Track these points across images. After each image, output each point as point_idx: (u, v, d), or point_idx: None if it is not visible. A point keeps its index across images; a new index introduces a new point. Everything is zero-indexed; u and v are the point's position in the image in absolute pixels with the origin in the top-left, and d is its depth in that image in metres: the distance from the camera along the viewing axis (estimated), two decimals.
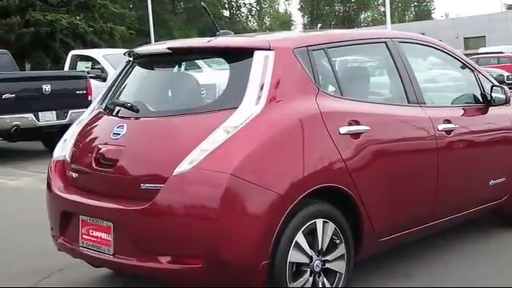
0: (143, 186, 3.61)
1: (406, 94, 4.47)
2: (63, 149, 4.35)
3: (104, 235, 3.76)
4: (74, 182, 4.13)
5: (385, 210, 4.11)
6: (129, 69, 4.47)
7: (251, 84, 3.66)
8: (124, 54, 4.55)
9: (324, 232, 3.75)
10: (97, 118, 4.32)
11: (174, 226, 3.45)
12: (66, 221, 4.06)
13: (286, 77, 3.80)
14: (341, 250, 3.86)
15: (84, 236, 3.89)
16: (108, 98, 4.42)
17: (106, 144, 3.92)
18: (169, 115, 3.87)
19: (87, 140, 4.22)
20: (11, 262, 5.18)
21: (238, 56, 3.85)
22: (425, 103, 4.56)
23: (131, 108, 3.96)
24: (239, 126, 3.52)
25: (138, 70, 4.41)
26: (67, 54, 16.16)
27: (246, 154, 3.46)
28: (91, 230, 3.84)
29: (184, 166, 3.46)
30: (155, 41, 30.80)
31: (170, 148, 3.65)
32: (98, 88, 12.00)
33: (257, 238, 3.45)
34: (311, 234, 3.69)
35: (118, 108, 4.15)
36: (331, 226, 3.79)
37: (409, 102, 4.47)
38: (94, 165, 3.93)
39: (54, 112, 11.08)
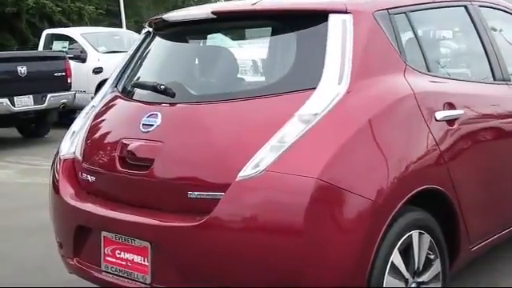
0: (191, 194, 2.73)
1: (491, 69, 3.68)
2: (72, 144, 3.42)
3: (137, 258, 2.88)
4: (89, 187, 3.22)
5: (479, 213, 3.34)
6: (150, 42, 3.56)
7: (330, 57, 2.79)
8: (144, 24, 3.62)
9: (420, 246, 2.94)
10: (114, 103, 3.41)
11: (241, 248, 2.58)
12: (81, 238, 3.16)
13: (369, 47, 2.93)
14: (436, 267, 3.05)
15: (108, 258, 3.01)
16: (125, 78, 3.50)
17: (133, 138, 3.01)
18: (218, 100, 2.96)
19: (104, 133, 3.30)
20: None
21: (305, 21, 2.96)
22: (510, 80, 3.76)
23: (165, 91, 3.05)
24: (321, 112, 2.65)
25: (164, 42, 3.50)
26: (34, 35, 15.01)
27: (333, 150, 2.60)
28: (118, 251, 2.96)
29: (250, 169, 2.59)
30: (127, 20, 29.55)
31: (226, 144, 2.77)
32: (78, 69, 11.12)
33: (352, 260, 2.61)
34: (406, 251, 2.87)
35: (143, 91, 3.24)
36: (427, 239, 2.98)
37: (495, 80, 3.69)
38: (118, 165, 3.02)
39: (31, 96, 10.05)
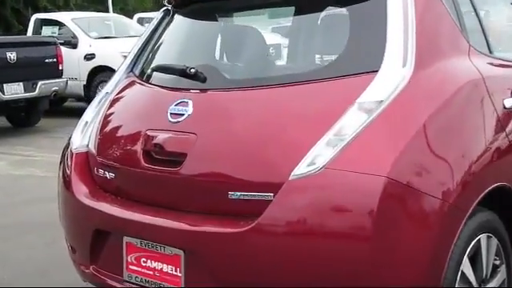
0: (233, 194, 2.35)
1: None
2: (84, 136, 3.02)
3: (167, 268, 2.51)
4: (107, 184, 2.84)
5: None
6: (170, 21, 3.16)
7: (391, 35, 2.40)
8: (164, 2, 3.21)
9: (488, 251, 2.58)
10: (131, 90, 3.02)
11: (297, 256, 2.21)
12: (99, 243, 2.77)
13: (432, 25, 2.57)
14: (502, 274, 2.70)
15: (131, 267, 2.63)
16: (143, 62, 3.11)
17: (160, 130, 2.63)
18: (258, 86, 2.57)
19: (123, 123, 2.91)
20: None
21: None
22: None
23: (195, 75, 2.66)
24: (385, 100, 2.27)
25: (188, 21, 3.11)
26: (19, 22, 14.50)
27: (402, 144, 2.22)
28: (144, 259, 2.58)
29: (305, 166, 2.22)
30: (112, 7, 29.04)
31: (271, 137, 2.39)
32: (69, 56, 10.70)
33: (426, 270, 2.25)
34: (474, 258, 2.51)
35: (166, 76, 2.85)
36: (494, 242, 2.62)
37: None
38: (142, 161, 2.64)
39: (21, 84, 9.61)
